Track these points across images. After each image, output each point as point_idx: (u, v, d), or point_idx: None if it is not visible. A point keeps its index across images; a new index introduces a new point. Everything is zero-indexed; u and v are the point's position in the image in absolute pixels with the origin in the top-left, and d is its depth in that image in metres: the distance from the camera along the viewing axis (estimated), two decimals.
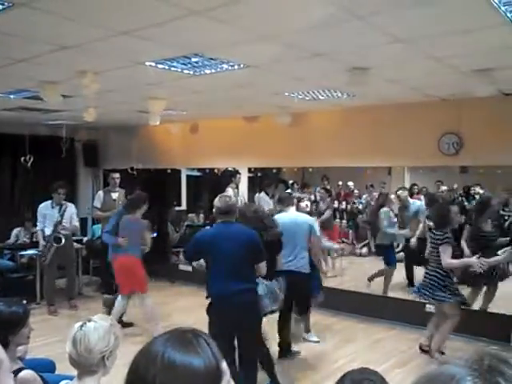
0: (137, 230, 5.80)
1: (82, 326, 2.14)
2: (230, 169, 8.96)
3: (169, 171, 9.65)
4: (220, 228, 3.91)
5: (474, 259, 4.66)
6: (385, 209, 6.74)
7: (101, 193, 7.67)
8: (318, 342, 5.46)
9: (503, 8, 2.76)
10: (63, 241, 6.62)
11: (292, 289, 4.53)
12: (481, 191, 8.21)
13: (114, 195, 7.47)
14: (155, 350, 1.00)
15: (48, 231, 6.71)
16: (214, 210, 3.96)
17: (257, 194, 8.50)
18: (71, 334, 2.12)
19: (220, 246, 3.74)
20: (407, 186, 7.83)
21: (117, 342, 2.16)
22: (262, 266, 3.92)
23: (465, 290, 5.39)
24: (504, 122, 5.46)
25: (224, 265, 3.73)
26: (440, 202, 6.88)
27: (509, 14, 2.86)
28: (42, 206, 6.81)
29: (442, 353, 4.85)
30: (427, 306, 5.40)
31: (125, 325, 5.70)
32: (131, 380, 1.01)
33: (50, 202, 6.80)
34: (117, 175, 7.62)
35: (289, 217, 4.99)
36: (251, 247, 3.78)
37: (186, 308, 6.70)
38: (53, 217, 6.72)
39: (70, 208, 6.96)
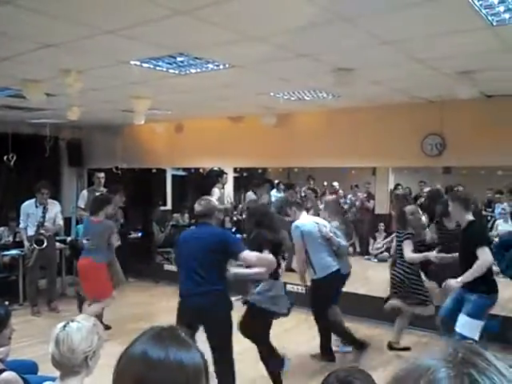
0: (98, 233, 5.56)
1: (64, 326, 2.12)
2: (215, 168, 8.97)
3: (154, 171, 9.63)
4: (194, 230, 4.02)
5: (432, 253, 4.96)
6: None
7: (85, 192, 7.61)
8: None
9: (484, 11, 2.80)
10: (45, 243, 6.53)
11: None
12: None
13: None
14: (155, 355, 0.98)
15: (30, 231, 6.63)
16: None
17: (248, 193, 8.52)
18: (54, 335, 2.10)
19: (186, 247, 3.80)
20: (391, 186, 7.92)
21: (100, 342, 2.15)
22: (248, 255, 3.70)
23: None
24: (486, 123, 5.55)
25: (186, 266, 3.76)
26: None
27: (489, 18, 2.91)
28: (25, 204, 6.71)
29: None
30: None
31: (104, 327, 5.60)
32: None
33: (33, 200, 6.69)
34: (102, 175, 7.58)
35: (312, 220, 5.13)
36: (219, 247, 3.72)
37: (171, 308, 6.63)
38: (36, 216, 6.62)
39: (55, 207, 6.85)
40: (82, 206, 7.40)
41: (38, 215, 6.63)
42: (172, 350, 0.97)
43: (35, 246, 6.48)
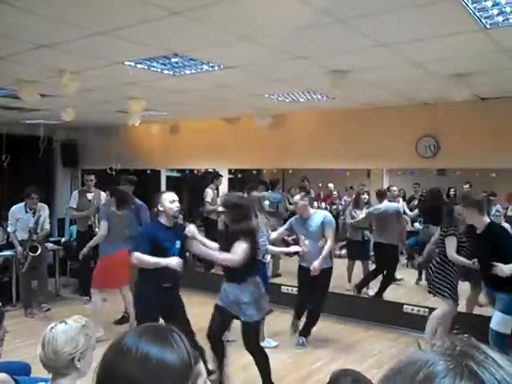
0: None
1: (52, 327, 2.10)
2: (210, 170, 8.95)
3: (148, 172, 9.59)
4: None
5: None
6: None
7: (76, 193, 7.64)
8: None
9: (477, 14, 2.82)
10: (39, 250, 6.45)
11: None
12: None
13: (90, 196, 7.46)
14: (128, 344, 0.99)
15: (19, 236, 6.53)
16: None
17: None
18: (42, 336, 2.08)
19: None
20: (386, 188, 7.90)
21: (88, 343, 2.09)
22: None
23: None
24: (481, 125, 5.57)
25: None
26: None
27: (483, 20, 2.92)
28: (14, 208, 6.61)
29: None
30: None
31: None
32: (101, 377, 1.00)
33: (23, 204, 6.58)
34: (91, 177, 7.60)
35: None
36: None
37: None
38: (27, 221, 6.51)
39: (44, 211, 6.72)
40: (74, 207, 7.43)
41: (29, 220, 6.52)
42: (144, 341, 0.98)
43: (30, 253, 6.39)
